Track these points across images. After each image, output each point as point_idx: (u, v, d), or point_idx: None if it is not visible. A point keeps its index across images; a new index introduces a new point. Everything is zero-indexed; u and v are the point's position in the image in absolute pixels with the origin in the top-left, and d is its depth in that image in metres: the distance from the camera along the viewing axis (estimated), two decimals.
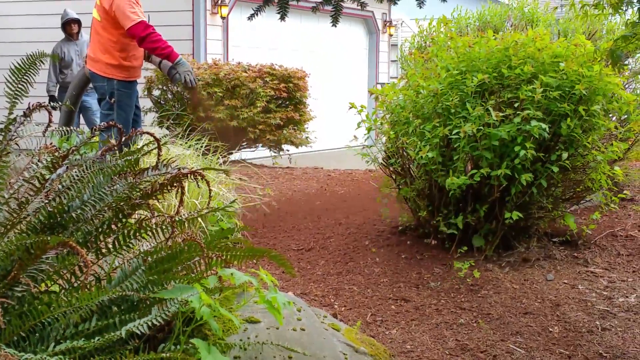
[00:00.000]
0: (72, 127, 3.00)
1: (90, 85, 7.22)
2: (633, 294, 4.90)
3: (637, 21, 3.71)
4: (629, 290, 4.96)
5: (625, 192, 6.54)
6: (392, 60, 17.13)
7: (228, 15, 12.25)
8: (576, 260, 5.46)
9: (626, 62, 7.56)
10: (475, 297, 4.81)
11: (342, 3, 4.17)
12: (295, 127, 10.74)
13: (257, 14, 4.27)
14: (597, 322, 4.46)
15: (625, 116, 5.98)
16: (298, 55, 13.70)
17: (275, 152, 10.90)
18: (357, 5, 4.21)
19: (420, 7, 4.23)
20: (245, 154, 11.22)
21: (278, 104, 10.51)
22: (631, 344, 4.18)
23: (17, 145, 2.68)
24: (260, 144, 10.75)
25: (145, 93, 10.16)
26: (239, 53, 12.26)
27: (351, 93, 13.60)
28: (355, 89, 15.20)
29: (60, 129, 2.91)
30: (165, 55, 6.39)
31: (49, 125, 2.83)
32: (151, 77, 10.00)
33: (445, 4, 5.64)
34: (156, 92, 10.23)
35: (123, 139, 2.93)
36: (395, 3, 4.51)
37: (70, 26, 10.19)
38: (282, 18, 4.16)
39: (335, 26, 4.24)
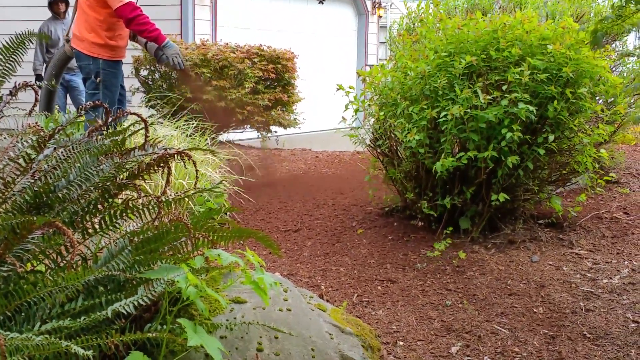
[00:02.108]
0: (52, 109, 2.99)
1: (75, 64, 7.16)
2: (617, 275, 4.94)
3: (623, 4, 3.72)
4: (613, 272, 4.99)
5: (611, 174, 6.57)
6: (381, 42, 17.10)
7: None
8: (561, 242, 5.49)
9: (613, 46, 7.58)
10: (461, 278, 4.84)
11: None
12: (284, 109, 10.70)
13: None
14: (581, 303, 4.49)
15: (612, 99, 6.01)
16: (287, 36, 13.65)
17: (263, 134, 10.87)
18: None
19: None
20: (234, 135, 11.19)
21: (266, 85, 10.48)
22: (614, 324, 4.22)
23: None
24: (249, 125, 10.71)
25: (133, 73, 10.11)
26: (227, 34, 12.20)
27: (340, 74, 13.59)
28: (344, 71, 15.17)
29: (41, 110, 2.90)
30: (152, 38, 6.36)
31: (35, 105, 2.82)
32: (139, 57, 9.95)
33: None
34: (144, 73, 10.18)
35: (110, 119, 2.92)
36: None
37: (57, 5, 10.13)
38: None
39: (322, 3, 4.21)
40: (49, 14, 10.28)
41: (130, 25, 6.24)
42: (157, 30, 6.34)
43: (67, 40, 6.75)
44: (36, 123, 2.65)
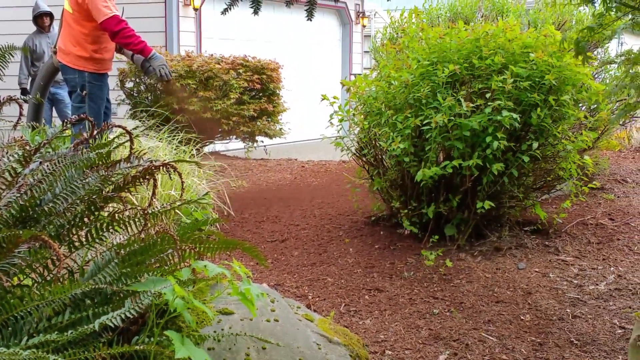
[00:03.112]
0: (40, 120, 3.00)
1: (61, 77, 7.15)
2: (603, 281, 4.97)
3: (604, 12, 3.76)
4: (599, 278, 5.02)
5: (595, 182, 6.61)
6: (365, 51, 17.14)
7: (201, 6, 12.20)
8: (547, 249, 5.51)
9: (595, 53, 7.63)
10: (448, 286, 4.86)
11: None
12: (269, 119, 10.73)
13: (230, 9, 4.25)
14: (568, 310, 4.52)
15: (595, 106, 6.05)
16: (271, 46, 13.67)
17: (249, 144, 10.88)
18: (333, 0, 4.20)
19: (387, 0, 4.23)
20: (219, 145, 11.19)
21: (251, 95, 10.50)
22: (601, 330, 4.24)
23: None
24: (234, 136, 10.73)
25: (118, 85, 10.10)
26: (212, 45, 12.21)
27: (325, 84, 13.62)
28: (329, 80, 15.20)
29: (29, 122, 2.90)
30: (138, 50, 6.36)
31: (19, 119, 2.82)
32: (124, 70, 9.95)
33: None
34: (129, 85, 10.18)
35: (95, 132, 2.92)
36: None
37: (42, 19, 10.12)
38: (256, 12, 4.14)
39: (311, 20, 4.22)
40: (33, 28, 10.27)
41: (115, 38, 6.24)
42: (142, 42, 6.34)
43: (55, 52, 6.76)
44: (21, 137, 2.65)
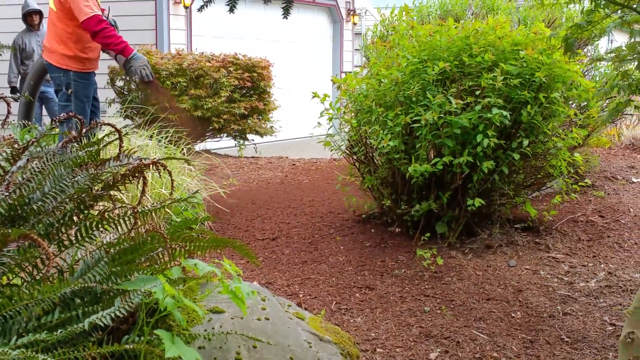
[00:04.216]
0: (31, 119, 3.00)
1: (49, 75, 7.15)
2: (593, 278, 4.98)
3: (593, 9, 3.76)
4: (590, 275, 5.03)
5: (586, 180, 6.62)
6: (356, 49, 17.15)
7: (191, 4, 12.20)
8: (538, 246, 5.52)
9: (585, 50, 7.65)
10: (439, 284, 4.86)
11: None
12: (260, 117, 10.74)
13: (206, 6, 4.23)
14: (559, 307, 4.53)
15: (585, 103, 6.07)
16: (262, 44, 13.67)
17: (240, 142, 10.88)
18: None
19: None
20: (210, 144, 11.19)
21: (242, 93, 10.50)
22: (592, 328, 4.25)
23: None
24: (225, 134, 10.73)
25: (109, 83, 10.09)
26: (203, 43, 12.21)
27: (316, 82, 13.61)
28: (320, 78, 15.21)
29: (20, 121, 2.89)
30: (119, 51, 6.33)
31: (7, 117, 2.81)
32: (114, 68, 9.93)
33: None
34: (119, 83, 10.17)
35: (84, 130, 2.92)
36: None
37: (31, 17, 10.09)
38: (231, 10, 4.12)
39: (287, 18, 4.20)
40: (23, 26, 10.24)
41: (95, 38, 6.23)
42: (123, 42, 6.32)
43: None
44: (10, 135, 2.64)
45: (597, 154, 8.09)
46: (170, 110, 8.61)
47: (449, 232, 5.49)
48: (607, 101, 6.53)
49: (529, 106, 5.20)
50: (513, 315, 4.41)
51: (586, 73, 7.47)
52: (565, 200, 6.31)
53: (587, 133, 6.03)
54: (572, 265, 5.21)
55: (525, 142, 5.22)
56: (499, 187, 5.50)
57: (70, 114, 2.87)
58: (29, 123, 4.89)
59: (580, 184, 6.18)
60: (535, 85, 5.28)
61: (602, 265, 5.20)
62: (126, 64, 6.43)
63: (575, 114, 5.70)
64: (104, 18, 6.26)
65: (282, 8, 4.19)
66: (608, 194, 6.91)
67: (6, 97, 2.70)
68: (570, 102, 6.03)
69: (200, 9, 4.46)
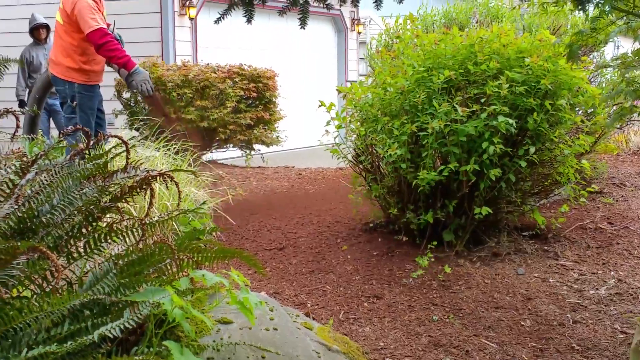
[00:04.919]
0: (36, 132, 3.01)
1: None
2: (603, 286, 4.96)
3: (598, 16, 3.77)
4: (599, 283, 5.02)
5: (593, 185, 6.61)
6: (361, 58, 17.17)
7: (196, 16, 12.23)
8: (546, 254, 5.51)
9: (591, 57, 7.64)
10: (447, 292, 4.85)
11: (308, 5, 4.18)
12: (266, 127, 10.74)
13: (223, 18, 4.27)
14: (569, 315, 4.51)
15: (591, 110, 6.06)
16: (267, 54, 13.69)
17: (246, 152, 10.89)
18: (323, 7, 4.23)
19: (378, 9, 4.26)
20: (217, 154, 11.20)
21: (248, 104, 10.51)
22: (602, 335, 4.24)
23: None
24: (231, 144, 10.73)
25: (115, 95, 10.12)
26: (208, 54, 12.24)
27: (321, 91, 13.60)
28: (325, 87, 15.21)
29: (25, 134, 2.90)
30: (121, 64, 6.39)
31: (16, 131, 2.82)
32: (120, 80, 9.95)
33: (412, 1, 5.68)
34: (126, 95, 10.19)
35: (91, 142, 2.93)
36: (356, 5, 4.53)
37: (38, 31, 10.15)
38: (249, 21, 4.16)
39: (304, 28, 4.25)
40: (30, 40, 10.29)
41: (99, 50, 6.29)
42: (126, 56, 6.37)
43: None
44: (19, 148, 2.65)
45: (604, 161, 8.08)
46: (177, 122, 8.64)
47: (456, 241, 5.48)
48: (614, 107, 6.52)
49: (535, 113, 5.20)
50: (522, 323, 4.40)
51: (592, 80, 7.47)
52: (573, 207, 6.30)
53: (595, 140, 6.02)
54: (582, 272, 5.19)
55: (532, 150, 5.22)
56: (505, 194, 5.49)
57: (77, 126, 2.88)
58: (35, 136, 4.92)
59: (588, 189, 6.17)
60: (541, 92, 5.27)
61: (612, 273, 5.19)
62: (128, 78, 6.49)
63: (582, 121, 5.69)
64: (109, 32, 6.30)
65: (299, 19, 4.24)
66: (617, 201, 6.89)
67: (14, 110, 2.71)
68: (577, 109, 6.02)
69: (217, 20, 4.49)
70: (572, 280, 5.07)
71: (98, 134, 3.16)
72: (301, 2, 4.19)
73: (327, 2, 4.24)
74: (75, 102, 6.41)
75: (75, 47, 6.36)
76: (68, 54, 6.39)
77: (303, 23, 4.22)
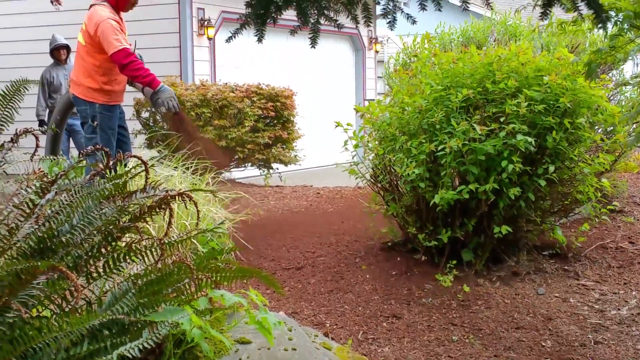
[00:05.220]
0: (57, 152, 3.03)
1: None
2: (625, 306, 4.92)
3: (617, 34, 3.75)
4: (621, 303, 4.97)
5: (614, 203, 6.56)
6: (378, 77, 17.18)
7: (215, 36, 12.29)
8: (567, 273, 5.47)
9: (610, 75, 7.61)
10: (466, 312, 4.82)
11: (319, 25, 4.19)
12: (284, 146, 10.76)
13: (234, 37, 4.29)
14: (590, 336, 4.47)
15: (611, 128, 6.03)
16: (285, 73, 13.73)
17: (264, 171, 10.91)
18: (334, 27, 4.24)
19: (392, 29, 4.26)
20: (235, 173, 11.22)
21: (266, 123, 10.53)
22: (624, 356, 4.20)
23: (5, 172, 2.68)
24: (249, 163, 10.75)
25: (134, 115, 10.17)
26: (226, 73, 12.29)
27: (339, 110, 13.62)
28: (343, 106, 15.21)
29: (46, 155, 2.92)
30: (146, 83, 6.43)
31: (36, 151, 2.83)
32: (140, 100, 10.01)
33: (430, 20, 5.68)
34: (145, 115, 10.24)
35: (110, 162, 2.94)
36: (369, 25, 4.54)
37: (59, 52, 10.24)
38: (260, 40, 4.17)
39: (314, 47, 4.25)
40: (50, 60, 10.38)
41: (124, 70, 6.33)
42: (151, 75, 6.41)
43: None
44: (39, 169, 2.67)
45: (625, 179, 8.02)
46: (196, 140, 8.66)
47: (476, 260, 5.45)
48: (634, 126, 6.49)
49: (554, 132, 5.18)
50: (543, 344, 4.36)
51: (611, 98, 7.43)
52: (593, 226, 6.25)
53: (615, 158, 5.98)
54: (603, 292, 5.15)
55: (551, 168, 5.19)
56: (525, 213, 5.46)
57: (98, 146, 2.90)
58: (57, 156, 4.94)
59: (608, 208, 6.12)
60: (560, 110, 5.25)
61: (634, 293, 5.14)
62: (153, 96, 6.52)
63: (602, 139, 5.66)
64: (133, 52, 6.35)
65: (309, 38, 4.24)
66: (637, 220, 6.84)
67: (34, 130, 2.73)
68: (596, 127, 5.99)
69: (228, 40, 4.51)
70: (593, 300, 5.02)
71: (119, 153, 3.18)
72: (312, 21, 4.19)
73: (338, 22, 4.24)
74: (96, 122, 6.46)
75: (97, 67, 6.41)
76: (89, 74, 6.43)
77: (313, 42, 4.23)
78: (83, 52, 6.48)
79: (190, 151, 7.12)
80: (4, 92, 2.80)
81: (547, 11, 3.77)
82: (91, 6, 6.46)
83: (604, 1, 3.91)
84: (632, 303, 4.95)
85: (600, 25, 3.57)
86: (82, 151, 2.84)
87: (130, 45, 6.44)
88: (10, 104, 2.82)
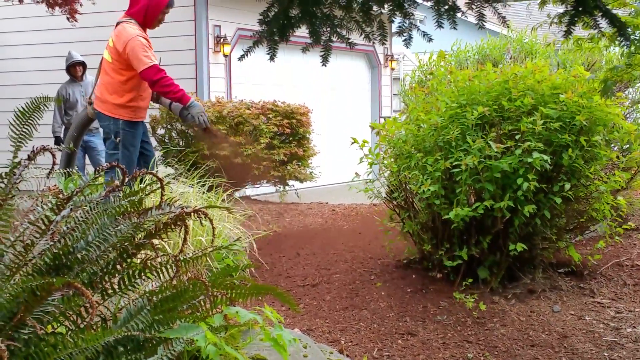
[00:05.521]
0: (73, 168, 3.05)
1: (94, 125, 7.26)
2: None
3: (633, 52, 3.75)
4: (637, 321, 4.94)
5: (629, 223, 6.53)
6: (394, 94, 17.20)
7: (230, 53, 12.35)
8: (582, 291, 5.45)
9: (626, 93, 7.59)
10: (481, 330, 4.80)
11: (331, 43, 4.21)
12: (299, 163, 10.78)
13: (247, 54, 4.32)
14: (605, 354, 4.45)
15: (627, 146, 6.01)
16: (301, 90, 13.77)
17: (279, 188, 10.93)
18: (346, 45, 4.26)
19: (407, 47, 4.28)
20: (250, 190, 11.24)
21: (281, 139, 10.56)
22: None
23: (18, 189, 2.69)
24: (265, 180, 10.77)
25: (150, 132, 10.21)
26: (242, 90, 12.33)
27: (354, 127, 13.65)
28: (359, 123, 15.25)
29: (61, 170, 2.93)
30: (177, 99, 6.49)
31: (52, 168, 2.85)
32: (155, 117, 10.06)
33: (446, 37, 5.69)
34: (160, 131, 10.29)
35: (126, 179, 2.95)
36: (384, 43, 4.55)
37: (75, 68, 10.29)
38: (272, 59, 4.20)
39: (325, 65, 4.28)
40: (66, 77, 10.44)
41: (155, 86, 6.37)
42: (181, 90, 6.46)
43: (90, 103, 6.89)
44: (55, 185, 2.68)
45: None
46: (212, 157, 8.69)
47: (491, 277, 5.44)
48: None
49: (569, 150, 5.17)
50: None
51: (628, 115, 7.41)
52: (609, 243, 6.22)
53: (630, 176, 5.96)
54: (618, 310, 5.12)
55: (567, 186, 5.18)
56: (540, 231, 5.44)
57: (114, 163, 2.91)
58: (72, 172, 4.98)
59: (624, 226, 6.09)
60: (576, 128, 5.25)
61: None
62: (183, 112, 6.57)
63: (618, 157, 5.65)
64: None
65: (321, 56, 4.26)
66: None
67: (51, 148, 2.75)
68: (612, 145, 5.97)
69: (241, 58, 4.54)
70: (608, 318, 4.99)
71: (136, 170, 3.19)
72: (324, 39, 4.21)
73: (350, 41, 4.26)
74: (118, 139, 6.50)
75: (123, 83, 6.46)
76: (115, 90, 6.48)
77: (325, 60, 4.24)
78: (109, 68, 6.53)
79: (207, 169, 7.15)
80: (23, 109, 2.82)
81: (571, 29, 3.78)
82: (118, 23, 6.52)
83: (622, 19, 3.91)
84: None
85: (623, 42, 3.56)
86: (98, 168, 2.85)
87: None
88: (29, 120, 2.83)
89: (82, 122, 7.33)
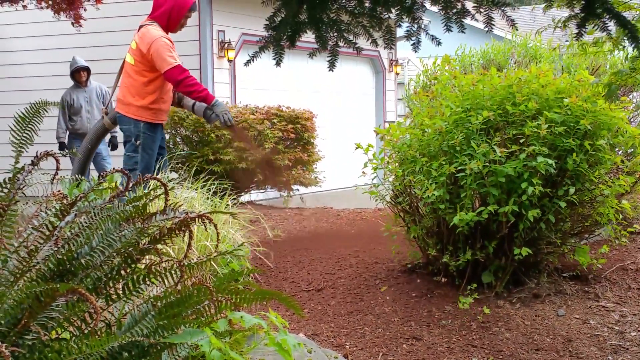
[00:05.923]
0: (86, 175, 3.06)
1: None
2: None
3: (638, 55, 3.75)
4: None
5: (634, 226, 6.52)
6: (399, 99, 17.21)
7: (235, 58, 12.37)
8: (587, 295, 5.44)
9: (630, 97, 7.58)
10: (486, 334, 4.80)
11: (337, 48, 4.22)
12: (304, 168, 10.79)
13: (253, 60, 4.33)
14: (610, 357, 4.44)
15: (631, 150, 6.00)
16: (305, 95, 13.78)
17: (284, 193, 10.93)
18: (353, 50, 4.26)
19: (415, 51, 4.28)
20: (255, 195, 11.25)
21: (286, 145, 10.57)
22: None
23: (24, 194, 2.70)
24: (269, 185, 10.78)
25: None
26: (247, 95, 12.35)
27: (359, 132, 13.67)
28: (363, 128, 15.26)
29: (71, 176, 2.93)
30: (202, 98, 6.55)
31: (56, 173, 2.85)
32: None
33: (450, 42, 5.70)
34: (165, 136, 10.31)
35: (131, 184, 2.96)
36: (390, 48, 4.56)
37: (79, 74, 10.31)
38: (278, 64, 4.21)
39: (332, 71, 4.29)
40: (71, 83, 10.47)
41: (179, 86, 6.43)
42: (205, 90, 6.53)
43: (106, 113, 6.95)
44: (59, 191, 2.69)
45: None
46: (216, 162, 8.69)
47: (496, 282, 5.43)
48: None
49: (574, 154, 5.16)
50: None
51: (632, 120, 7.40)
52: (614, 247, 6.22)
53: (635, 180, 5.95)
54: (623, 314, 5.11)
55: (572, 190, 5.17)
56: (545, 235, 5.44)
57: (135, 166, 2.92)
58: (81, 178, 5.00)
59: (629, 230, 6.08)
60: (580, 132, 5.24)
61: None
62: (207, 112, 6.63)
63: (622, 161, 5.64)
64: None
65: (328, 61, 4.27)
66: None
67: (55, 153, 2.75)
68: (617, 149, 5.97)
69: (247, 63, 4.55)
70: (613, 321, 4.99)
71: (139, 175, 3.20)
72: (330, 44, 4.22)
73: (357, 46, 4.27)
74: (138, 142, 6.55)
75: (146, 85, 6.52)
76: (137, 92, 6.53)
77: (332, 66, 4.26)
78: (132, 71, 6.59)
79: (212, 174, 7.18)
80: (23, 114, 2.83)
81: (582, 31, 3.77)
82: (141, 26, 6.58)
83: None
84: None
85: (634, 45, 3.55)
86: (102, 173, 2.86)
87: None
88: (29, 125, 2.84)
89: (98, 133, 7.37)
